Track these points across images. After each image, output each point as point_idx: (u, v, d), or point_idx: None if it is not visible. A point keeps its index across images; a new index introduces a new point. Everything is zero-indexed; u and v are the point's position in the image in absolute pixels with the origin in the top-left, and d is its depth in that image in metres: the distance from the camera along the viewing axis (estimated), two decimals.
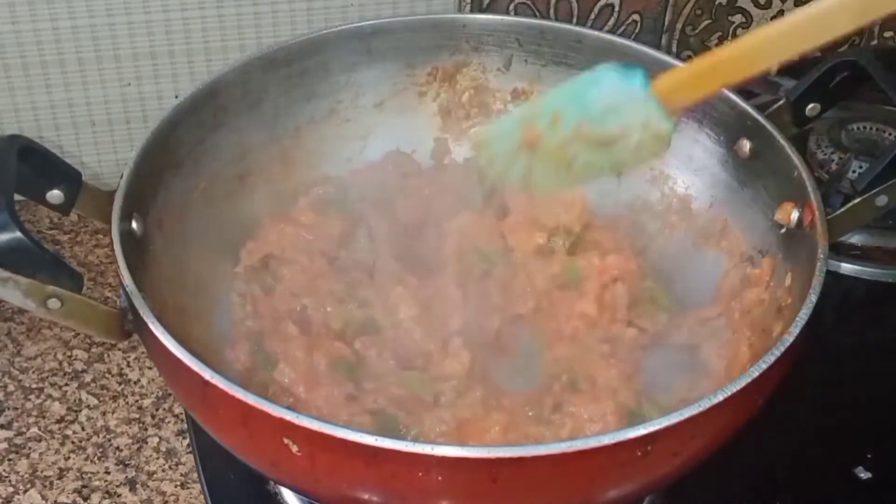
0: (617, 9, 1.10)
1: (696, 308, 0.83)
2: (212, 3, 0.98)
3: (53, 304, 0.64)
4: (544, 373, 0.78)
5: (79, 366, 0.89)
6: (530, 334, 0.82)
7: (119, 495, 0.80)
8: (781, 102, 0.84)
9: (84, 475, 0.81)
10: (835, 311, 0.93)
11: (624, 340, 0.79)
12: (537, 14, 1.09)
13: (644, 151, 0.69)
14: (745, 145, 0.82)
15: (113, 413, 0.86)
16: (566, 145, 0.69)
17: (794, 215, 0.76)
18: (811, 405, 0.84)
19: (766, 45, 0.67)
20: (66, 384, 0.88)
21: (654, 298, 0.83)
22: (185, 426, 0.84)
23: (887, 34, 1.22)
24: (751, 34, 0.67)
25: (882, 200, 0.77)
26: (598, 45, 0.89)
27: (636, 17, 1.12)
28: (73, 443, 0.83)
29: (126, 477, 0.81)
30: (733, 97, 0.83)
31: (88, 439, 0.84)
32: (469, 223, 0.86)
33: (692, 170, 0.88)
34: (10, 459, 0.82)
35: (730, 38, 1.17)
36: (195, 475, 0.81)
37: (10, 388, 0.87)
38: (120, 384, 0.88)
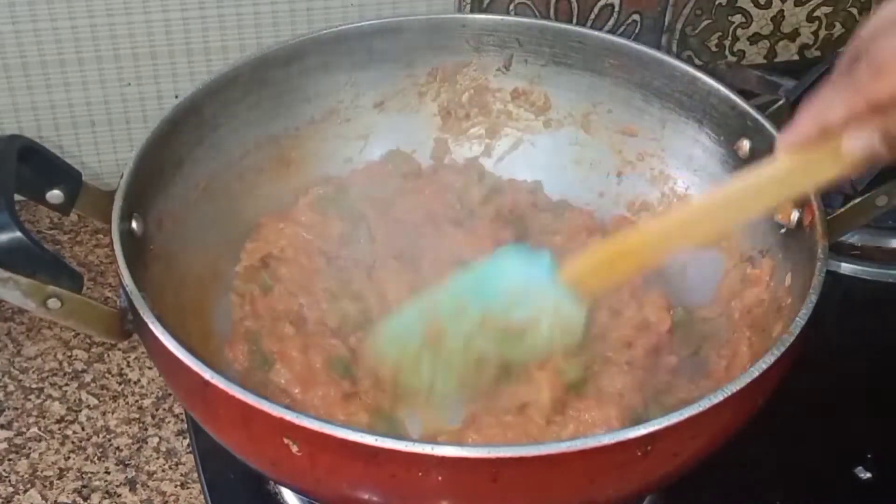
0: (617, 9, 1.10)
1: (696, 308, 0.83)
2: (212, 3, 0.98)
3: (53, 304, 0.64)
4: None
5: (79, 366, 0.89)
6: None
7: (119, 495, 0.80)
8: (781, 102, 0.84)
9: (84, 475, 0.81)
10: (835, 311, 0.93)
11: (637, 346, 0.79)
12: (537, 14, 1.09)
13: (557, 338, 0.68)
14: (745, 145, 0.82)
15: (113, 413, 0.86)
16: (472, 339, 0.68)
17: (794, 215, 0.76)
18: (811, 405, 0.84)
19: (678, 231, 0.67)
20: (66, 384, 0.88)
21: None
22: (185, 426, 0.84)
23: None
24: (661, 218, 0.68)
25: (882, 200, 0.77)
26: (598, 45, 0.89)
27: (636, 17, 1.12)
28: (73, 443, 0.83)
29: (126, 477, 0.81)
30: (733, 97, 0.83)
31: (88, 439, 0.84)
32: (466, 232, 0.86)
33: (692, 170, 0.88)
34: (10, 459, 0.82)
35: (729, 38, 1.17)
36: (195, 475, 0.81)
37: (10, 388, 0.87)
38: (120, 384, 0.88)
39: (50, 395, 0.87)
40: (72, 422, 0.85)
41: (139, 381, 0.88)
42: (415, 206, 0.89)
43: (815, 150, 0.62)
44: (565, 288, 0.67)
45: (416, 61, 0.92)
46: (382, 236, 0.86)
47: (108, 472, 0.81)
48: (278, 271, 0.84)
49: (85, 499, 0.80)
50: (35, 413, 0.85)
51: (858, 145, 0.60)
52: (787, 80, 1.01)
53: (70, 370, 0.89)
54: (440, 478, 0.58)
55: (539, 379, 0.74)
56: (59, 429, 0.84)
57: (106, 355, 0.90)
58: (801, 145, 0.62)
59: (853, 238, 0.97)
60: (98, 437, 0.84)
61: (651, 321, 0.79)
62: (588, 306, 0.68)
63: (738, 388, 0.61)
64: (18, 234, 0.62)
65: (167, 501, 0.80)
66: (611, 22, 1.11)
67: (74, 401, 0.87)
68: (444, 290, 0.71)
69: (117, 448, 0.83)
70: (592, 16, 1.11)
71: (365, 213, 0.87)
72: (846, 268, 0.97)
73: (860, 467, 0.81)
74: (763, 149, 0.80)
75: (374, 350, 0.75)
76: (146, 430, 0.85)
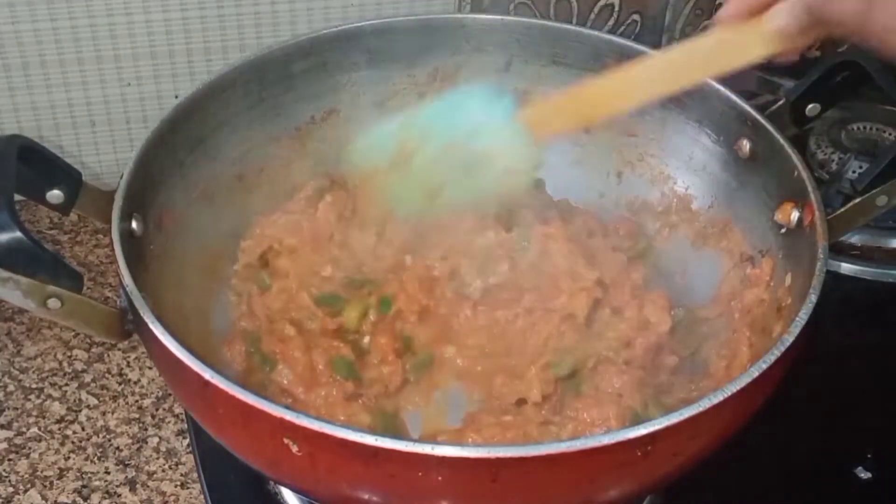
0: (617, 9, 1.10)
1: (696, 308, 0.83)
2: (212, 3, 0.98)
3: (53, 304, 0.64)
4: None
5: (79, 366, 0.89)
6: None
7: (119, 495, 0.80)
8: (781, 102, 0.84)
9: (84, 475, 0.81)
10: (835, 311, 0.92)
11: (636, 346, 0.79)
12: (537, 14, 1.09)
13: (512, 179, 0.72)
14: (745, 145, 0.82)
15: (113, 413, 0.86)
16: (436, 164, 0.71)
17: (794, 215, 0.76)
18: (811, 405, 0.84)
19: (635, 82, 0.71)
20: (66, 384, 0.88)
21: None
22: (185, 426, 0.84)
23: None
24: (612, 73, 0.71)
25: (882, 200, 0.77)
26: (598, 45, 0.89)
27: (636, 17, 1.12)
28: (73, 443, 0.83)
29: (126, 477, 0.81)
30: (733, 97, 0.83)
31: (88, 439, 0.84)
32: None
33: (692, 170, 0.88)
34: (10, 459, 0.82)
35: None
36: (195, 475, 0.81)
37: (10, 388, 0.87)
38: (120, 384, 0.88)
39: (50, 395, 0.87)
40: (72, 422, 0.85)
41: (139, 381, 0.88)
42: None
43: (746, 25, 0.66)
44: (522, 128, 0.71)
45: (416, 61, 0.92)
46: (382, 221, 0.86)
47: (108, 472, 0.81)
48: (276, 263, 0.84)
49: (85, 499, 0.80)
50: (35, 413, 0.85)
51: (782, 17, 0.64)
52: (787, 80, 1.01)
53: (70, 370, 0.89)
54: (440, 478, 0.58)
55: (530, 375, 0.75)
56: (59, 429, 0.84)
57: (106, 355, 0.90)
58: (733, 19, 0.67)
59: (853, 238, 0.98)
60: (98, 437, 0.84)
61: (651, 321, 0.79)
62: (540, 149, 0.73)
63: (738, 388, 0.61)
64: (18, 234, 0.62)
65: (167, 501, 0.80)
66: (611, 22, 1.11)
67: (74, 401, 0.87)
68: (415, 114, 0.75)
69: (117, 448, 0.83)
70: (592, 16, 1.11)
71: (363, 198, 0.88)
72: (846, 268, 0.97)
73: (860, 467, 0.81)
74: (763, 149, 0.80)
75: (350, 157, 0.79)
76: (146, 430, 0.85)
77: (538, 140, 0.71)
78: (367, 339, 0.79)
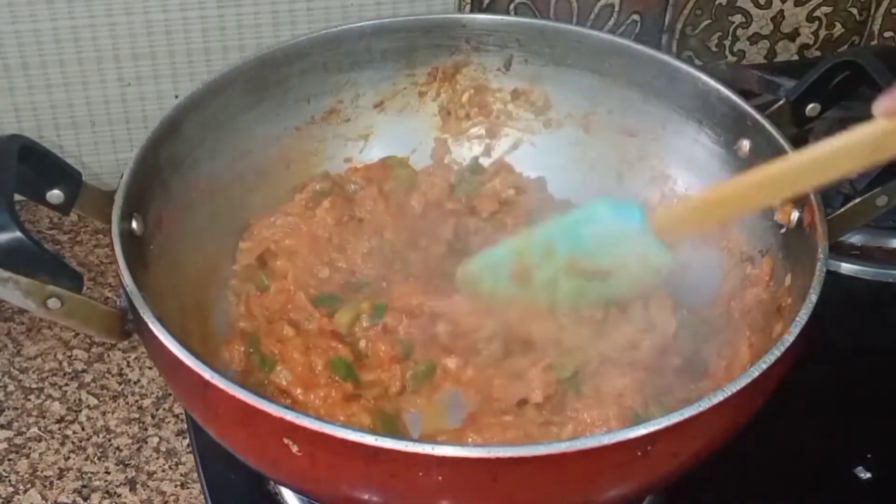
0: (617, 9, 1.10)
1: (696, 308, 0.82)
2: (212, 3, 0.98)
3: (53, 304, 0.64)
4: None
5: (79, 366, 0.89)
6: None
7: (119, 495, 0.80)
8: (781, 102, 0.84)
9: (84, 475, 0.81)
10: (835, 311, 0.92)
11: (640, 347, 0.79)
12: (537, 14, 1.09)
13: (640, 283, 0.70)
14: (745, 145, 0.82)
15: (113, 413, 0.86)
16: (558, 278, 0.71)
17: (794, 215, 0.76)
18: (811, 405, 0.84)
19: (765, 184, 0.68)
20: (66, 384, 0.88)
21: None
22: (185, 426, 0.84)
23: (887, 34, 1.22)
24: (751, 173, 0.68)
25: (882, 200, 0.77)
26: (598, 45, 0.89)
27: (636, 17, 1.12)
28: (73, 443, 0.83)
29: (126, 477, 0.81)
30: (733, 97, 0.83)
31: (88, 439, 0.84)
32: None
33: (692, 170, 0.88)
34: (10, 459, 0.82)
35: (729, 38, 1.17)
36: (195, 475, 0.81)
37: (10, 388, 0.87)
38: (120, 384, 0.88)
39: (50, 395, 0.87)
40: (72, 422, 0.85)
41: (139, 381, 0.88)
42: (415, 198, 0.89)
43: None
44: (653, 235, 0.69)
45: (416, 61, 0.92)
46: (380, 224, 0.86)
47: (108, 472, 0.81)
48: (274, 264, 0.84)
49: (85, 499, 0.80)
50: (35, 413, 0.85)
51: None
52: (786, 80, 1.01)
53: (70, 370, 0.89)
54: (440, 478, 0.58)
55: (531, 376, 0.75)
56: (59, 429, 0.84)
57: (106, 355, 0.90)
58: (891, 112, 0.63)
59: (853, 238, 0.97)
60: (98, 437, 0.84)
61: (657, 322, 0.79)
62: (674, 251, 0.71)
63: (738, 388, 0.61)
64: (18, 234, 0.62)
65: (167, 501, 0.80)
66: (611, 22, 1.11)
67: (74, 401, 0.86)
68: (534, 233, 0.73)
69: (117, 448, 0.83)
70: (592, 16, 1.11)
71: (361, 201, 0.88)
72: (846, 268, 0.97)
73: (860, 467, 0.81)
74: (763, 149, 0.80)
75: (464, 279, 0.77)
76: (146, 430, 0.85)
77: (673, 240, 0.70)
78: (363, 343, 0.79)
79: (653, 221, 0.69)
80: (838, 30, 1.20)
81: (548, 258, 0.71)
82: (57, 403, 0.86)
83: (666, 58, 0.87)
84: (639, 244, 0.69)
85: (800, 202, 0.75)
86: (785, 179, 0.68)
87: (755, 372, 0.62)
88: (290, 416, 0.58)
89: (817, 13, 1.17)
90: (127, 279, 0.66)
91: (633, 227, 0.68)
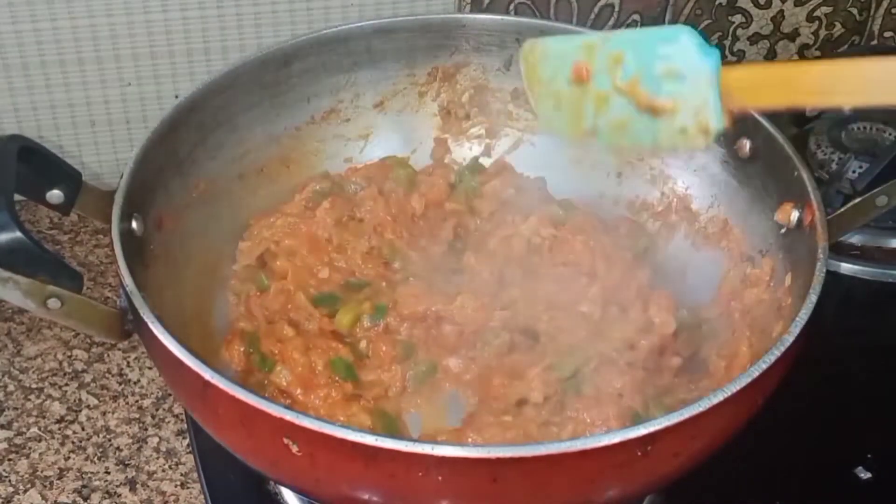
0: (617, 9, 1.10)
1: (696, 308, 0.82)
2: (212, 3, 0.98)
3: (53, 304, 0.64)
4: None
5: (79, 366, 0.89)
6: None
7: (119, 495, 0.80)
8: None
9: (84, 475, 0.81)
10: (835, 311, 0.93)
11: (640, 347, 0.79)
12: (537, 14, 1.09)
13: (684, 139, 0.65)
14: (745, 145, 0.82)
15: (113, 413, 0.86)
16: (612, 94, 0.66)
17: (794, 215, 0.76)
18: (811, 405, 0.84)
19: (870, 79, 0.61)
20: (66, 384, 0.88)
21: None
22: (185, 426, 0.84)
23: (887, 34, 1.22)
24: (844, 61, 0.62)
25: (882, 200, 0.77)
26: None
27: (636, 17, 1.12)
28: (73, 443, 0.83)
29: (126, 477, 0.81)
30: None
31: (88, 439, 0.84)
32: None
33: (692, 170, 0.88)
34: (10, 459, 0.82)
35: (729, 38, 1.17)
36: (195, 475, 0.81)
37: (10, 388, 0.87)
38: (120, 384, 0.88)
39: (50, 395, 0.87)
40: (72, 422, 0.85)
41: (139, 381, 0.88)
42: (416, 197, 0.89)
43: None
44: (719, 91, 0.63)
45: (416, 61, 0.93)
46: (379, 222, 0.86)
47: (108, 472, 0.81)
48: (274, 264, 0.84)
49: (85, 499, 0.80)
50: (35, 413, 0.85)
51: None
52: None
53: (70, 370, 0.89)
54: (440, 478, 0.58)
55: (531, 376, 0.75)
56: (59, 429, 0.84)
57: (106, 355, 0.90)
58: None
59: (853, 238, 0.97)
60: (98, 437, 0.84)
61: (656, 322, 0.79)
62: (727, 123, 0.64)
63: (738, 388, 0.61)
64: (18, 234, 0.62)
65: (167, 501, 0.80)
66: (611, 22, 1.11)
67: (74, 401, 0.86)
68: (611, 36, 0.68)
69: (117, 448, 0.83)
70: (592, 16, 1.11)
71: (360, 201, 0.88)
72: (846, 268, 0.97)
73: (860, 467, 0.81)
74: (763, 149, 0.80)
75: (529, 51, 0.71)
76: (146, 430, 0.85)
77: (735, 107, 0.63)
78: (363, 343, 0.80)
79: (726, 74, 0.63)
80: (838, 30, 1.20)
81: (613, 67, 0.66)
82: (57, 403, 0.86)
83: None
84: (702, 93, 0.63)
85: (800, 202, 0.75)
86: (882, 82, 0.61)
87: (755, 372, 0.62)
88: (290, 416, 0.58)
89: (817, 13, 1.17)
90: (127, 279, 0.66)
91: (706, 70, 0.63)
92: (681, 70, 0.63)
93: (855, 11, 1.18)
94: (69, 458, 0.82)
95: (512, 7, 1.08)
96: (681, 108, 0.64)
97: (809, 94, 0.63)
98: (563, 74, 0.68)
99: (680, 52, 0.64)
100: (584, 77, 0.67)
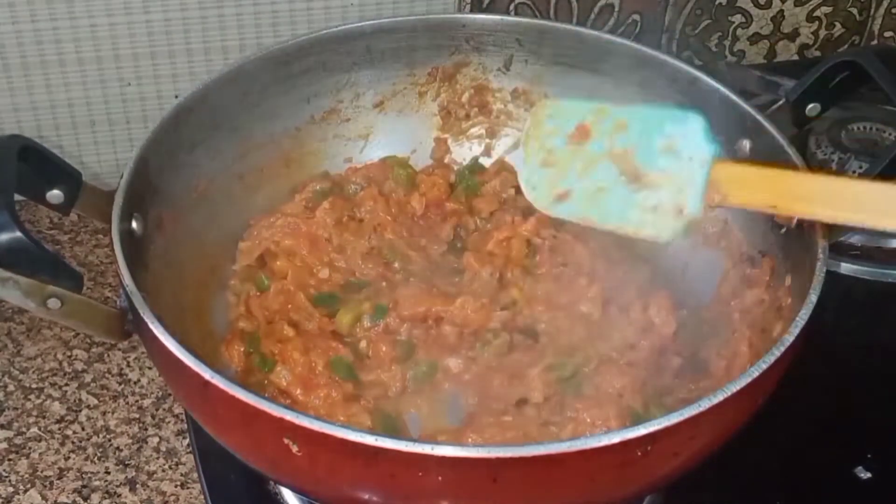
0: (617, 9, 1.10)
1: (696, 308, 0.82)
2: (212, 3, 0.99)
3: (53, 304, 0.64)
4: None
5: (79, 366, 0.89)
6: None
7: (119, 495, 0.80)
8: (781, 102, 0.84)
9: (84, 475, 0.81)
10: (835, 311, 0.93)
11: (640, 347, 0.79)
12: (537, 14, 1.09)
13: (653, 218, 0.65)
14: (745, 145, 0.82)
15: (113, 413, 0.86)
16: (603, 158, 0.67)
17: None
18: (811, 405, 0.84)
19: (846, 199, 0.62)
20: (66, 384, 0.88)
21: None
22: (185, 426, 0.84)
23: (887, 34, 1.22)
24: (838, 179, 0.62)
25: None
26: (598, 45, 0.89)
27: (636, 17, 1.12)
28: (73, 443, 0.83)
29: (126, 477, 0.81)
30: (733, 97, 0.83)
31: (88, 439, 0.84)
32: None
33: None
34: (10, 459, 0.82)
35: (729, 38, 1.17)
36: (195, 475, 0.81)
37: (10, 388, 0.87)
38: (120, 384, 0.88)
39: (50, 395, 0.87)
40: (72, 422, 0.85)
41: (139, 381, 0.88)
42: (416, 197, 0.89)
43: None
44: (707, 179, 0.64)
45: (416, 61, 0.93)
46: (378, 222, 0.86)
47: (108, 472, 0.81)
48: (274, 265, 0.84)
49: (85, 499, 0.80)
50: (35, 413, 0.85)
51: None
52: (787, 80, 1.01)
53: (70, 370, 0.89)
54: (440, 478, 0.58)
55: (531, 376, 0.75)
56: (59, 429, 0.84)
57: (106, 355, 0.90)
58: None
59: (853, 238, 0.97)
60: (98, 437, 0.84)
61: (656, 322, 0.79)
62: (701, 212, 0.65)
63: (738, 388, 0.61)
64: (18, 234, 0.62)
65: (167, 501, 0.80)
66: (611, 22, 1.11)
67: (74, 401, 0.86)
68: (620, 106, 0.69)
69: (117, 448, 0.83)
70: (592, 16, 1.11)
71: (360, 201, 0.88)
72: (846, 268, 0.97)
73: (860, 467, 0.81)
74: (763, 149, 0.80)
75: (537, 108, 0.72)
76: (146, 430, 0.85)
77: (716, 198, 0.64)
78: (363, 343, 0.80)
79: (721, 167, 0.64)
80: (838, 30, 1.20)
81: (614, 132, 0.67)
82: (57, 403, 0.86)
83: (666, 58, 0.87)
84: (692, 173, 0.64)
85: None
86: (874, 206, 0.61)
87: (755, 372, 0.62)
88: (290, 416, 0.58)
89: (817, 13, 1.17)
90: (127, 279, 0.66)
91: (704, 154, 0.64)
92: (679, 149, 0.65)
93: (855, 11, 1.18)
94: (69, 458, 0.82)
95: (512, 7, 1.08)
96: (665, 185, 0.65)
97: (796, 202, 0.64)
98: (565, 131, 0.69)
99: (685, 132, 0.65)
100: (585, 137, 0.68)
